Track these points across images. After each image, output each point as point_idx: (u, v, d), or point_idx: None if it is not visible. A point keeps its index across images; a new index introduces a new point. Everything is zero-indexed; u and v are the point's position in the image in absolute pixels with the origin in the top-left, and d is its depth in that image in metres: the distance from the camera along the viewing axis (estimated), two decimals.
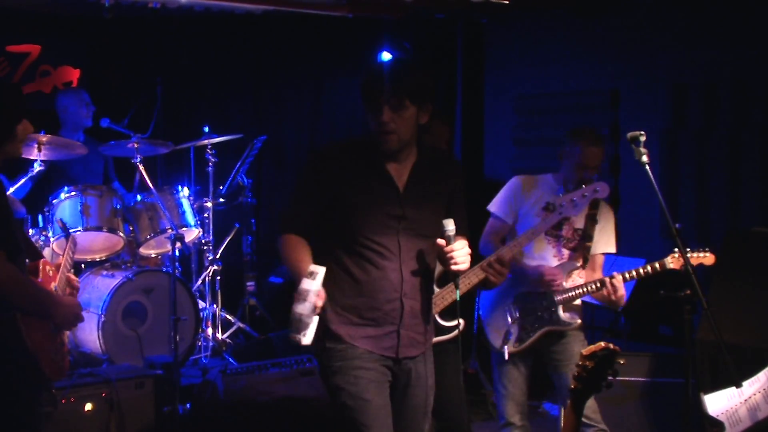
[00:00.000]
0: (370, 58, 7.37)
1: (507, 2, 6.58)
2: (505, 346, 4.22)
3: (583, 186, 4.08)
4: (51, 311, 3.25)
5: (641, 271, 4.14)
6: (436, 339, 3.91)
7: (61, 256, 3.64)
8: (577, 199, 4.02)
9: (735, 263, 4.71)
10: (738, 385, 3.29)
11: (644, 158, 3.38)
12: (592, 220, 4.32)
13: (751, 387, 3.29)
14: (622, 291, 4.11)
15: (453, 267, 3.24)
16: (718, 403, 3.29)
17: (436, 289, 3.91)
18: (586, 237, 4.31)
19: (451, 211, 3.37)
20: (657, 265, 4.12)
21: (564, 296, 4.21)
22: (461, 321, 3.99)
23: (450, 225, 3.22)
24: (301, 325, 2.96)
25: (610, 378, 2.88)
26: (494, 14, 7.27)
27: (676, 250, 4.10)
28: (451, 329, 3.98)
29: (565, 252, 4.30)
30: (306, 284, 2.99)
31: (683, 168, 6.16)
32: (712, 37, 6.03)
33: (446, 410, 4.00)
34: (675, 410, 4.47)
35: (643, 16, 6.29)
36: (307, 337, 2.98)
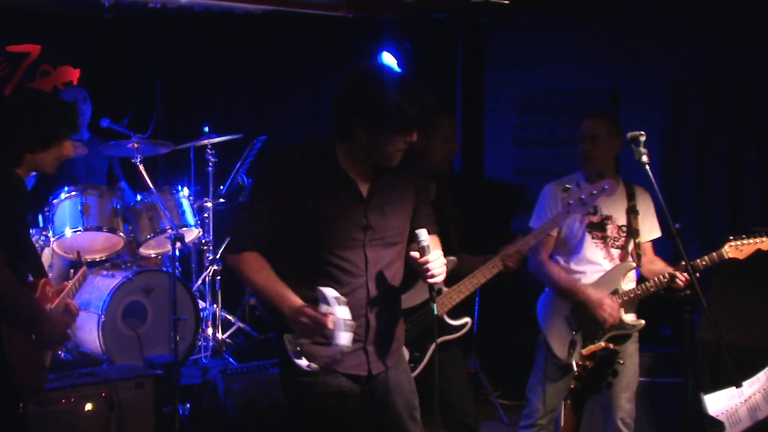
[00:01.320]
0: (376, 73, 7.37)
1: (507, 2, 6.57)
2: (572, 358, 4.05)
3: (594, 183, 4.00)
4: (37, 326, 3.21)
5: (700, 263, 4.03)
6: (444, 338, 3.92)
7: (68, 282, 3.62)
8: (585, 197, 3.93)
9: (735, 263, 4.70)
10: (738, 385, 3.30)
11: (644, 158, 3.39)
12: (633, 213, 4.26)
13: (751, 387, 3.30)
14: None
15: (429, 279, 3.11)
16: (718, 403, 3.29)
17: (444, 288, 3.91)
18: (631, 233, 4.25)
19: (418, 211, 3.26)
20: (715, 255, 4.04)
21: (624, 298, 4.15)
22: (468, 320, 3.98)
23: (423, 235, 3.10)
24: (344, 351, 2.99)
25: (610, 378, 2.88)
26: (494, 14, 7.26)
27: (732, 238, 4.05)
28: (458, 328, 3.97)
29: (615, 252, 4.25)
30: (343, 313, 2.93)
31: (683, 168, 6.16)
32: (712, 37, 6.03)
33: (455, 404, 4.01)
34: (675, 410, 4.46)
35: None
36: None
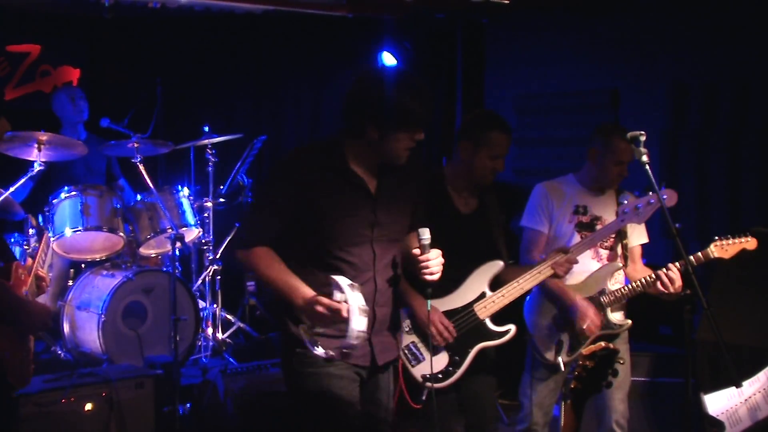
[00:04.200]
0: (378, 67, 7.38)
1: (507, 2, 6.58)
2: (559, 357, 4.12)
3: (649, 193, 3.97)
4: (20, 318, 3.20)
5: (692, 260, 3.96)
6: (486, 344, 3.88)
7: (36, 255, 3.60)
8: (642, 207, 3.94)
9: (735, 263, 4.70)
10: (738, 385, 3.29)
11: (644, 158, 3.38)
12: None
13: (751, 387, 3.29)
14: (680, 282, 3.97)
15: (427, 277, 3.19)
16: (718, 403, 3.29)
17: (488, 293, 3.89)
18: (621, 235, 4.24)
19: (415, 212, 3.35)
20: (701, 255, 4.01)
21: (611, 298, 4.14)
22: (512, 327, 3.93)
23: (426, 234, 3.16)
24: (361, 337, 3.01)
25: (611, 378, 2.88)
26: (494, 14, 7.27)
27: (717, 237, 4.03)
28: (501, 334, 3.90)
29: (604, 253, 4.25)
30: (357, 299, 2.97)
31: (683, 168, 6.16)
32: (712, 37, 6.03)
33: (477, 410, 3.98)
34: (675, 410, 4.47)
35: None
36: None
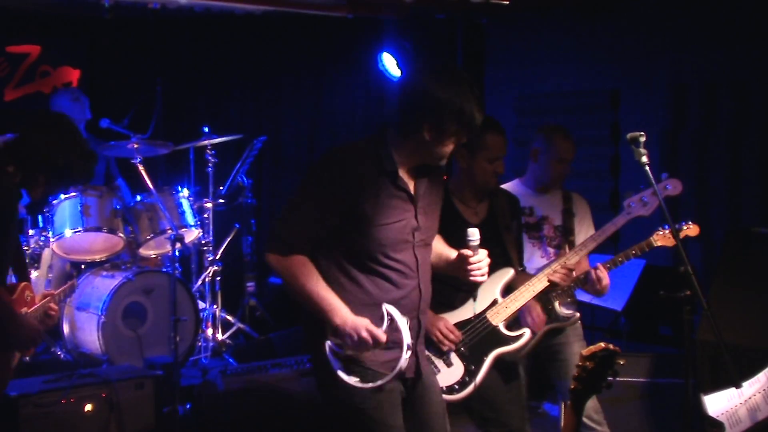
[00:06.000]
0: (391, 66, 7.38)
1: (507, 2, 6.58)
2: None
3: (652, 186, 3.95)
4: (8, 329, 3.19)
5: (630, 253, 4.01)
6: (501, 350, 3.83)
7: (53, 291, 3.59)
8: (647, 198, 3.92)
9: (735, 263, 4.71)
10: (738, 385, 3.29)
11: (644, 159, 3.37)
12: (569, 214, 4.30)
13: (751, 387, 3.29)
14: (606, 281, 4.02)
15: (476, 278, 3.18)
16: (718, 403, 3.29)
17: (500, 299, 3.88)
18: (567, 232, 4.28)
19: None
20: (644, 244, 4.00)
21: (558, 291, 4.15)
22: (526, 331, 3.89)
23: (476, 234, 3.14)
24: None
25: (610, 378, 2.88)
26: (494, 14, 7.27)
27: (660, 228, 4.03)
28: (515, 339, 3.86)
29: (551, 250, 4.28)
30: (408, 336, 2.94)
31: (683, 168, 6.16)
32: (712, 37, 6.03)
33: (507, 419, 3.91)
34: (675, 410, 4.46)
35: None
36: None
